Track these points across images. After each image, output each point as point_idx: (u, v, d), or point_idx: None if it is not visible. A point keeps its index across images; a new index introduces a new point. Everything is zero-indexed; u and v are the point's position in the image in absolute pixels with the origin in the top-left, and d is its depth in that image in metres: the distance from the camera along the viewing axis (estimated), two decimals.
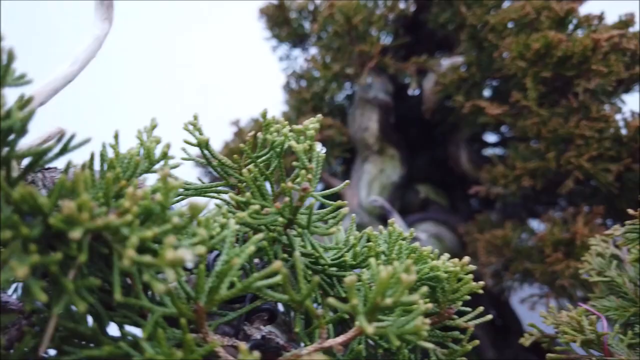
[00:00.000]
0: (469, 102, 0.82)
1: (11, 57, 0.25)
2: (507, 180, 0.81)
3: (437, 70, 0.87)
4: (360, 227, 0.97)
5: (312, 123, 0.38)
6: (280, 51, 1.18)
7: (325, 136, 0.94)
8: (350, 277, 0.27)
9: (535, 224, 0.92)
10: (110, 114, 1.49)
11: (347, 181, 0.42)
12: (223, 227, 0.32)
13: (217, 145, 1.00)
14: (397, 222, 0.83)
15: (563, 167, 0.79)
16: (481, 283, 0.38)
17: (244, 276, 0.36)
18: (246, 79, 1.42)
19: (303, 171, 0.35)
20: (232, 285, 0.28)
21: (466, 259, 0.40)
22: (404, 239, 0.42)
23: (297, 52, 1.17)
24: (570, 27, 0.83)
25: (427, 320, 0.28)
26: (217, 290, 0.27)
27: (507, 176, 0.81)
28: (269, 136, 0.37)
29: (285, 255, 0.37)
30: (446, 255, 0.43)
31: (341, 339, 0.29)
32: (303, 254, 0.38)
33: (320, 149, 0.38)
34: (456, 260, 0.40)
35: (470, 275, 0.39)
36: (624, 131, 0.78)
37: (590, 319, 0.45)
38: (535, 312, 0.93)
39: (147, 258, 0.23)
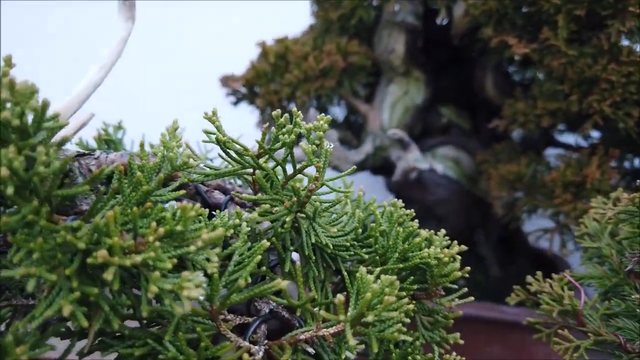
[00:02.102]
0: (497, 37, 0.80)
1: (45, 105, 0.27)
2: (527, 119, 0.81)
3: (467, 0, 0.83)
4: (380, 149, 1.00)
5: (322, 120, 0.40)
6: None
7: (350, 62, 0.93)
8: (339, 298, 0.31)
9: (552, 156, 0.93)
10: None
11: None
12: (235, 228, 0.36)
13: (243, 67, 1.01)
14: (414, 153, 0.86)
15: (584, 110, 0.78)
16: (467, 268, 0.42)
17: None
18: None
19: (311, 172, 0.38)
20: (241, 289, 0.33)
21: (455, 249, 0.43)
22: (402, 221, 0.46)
23: None
24: None
25: (404, 329, 0.33)
26: (229, 297, 0.32)
27: (528, 114, 0.81)
28: (281, 136, 0.39)
29: (292, 248, 0.41)
30: (442, 232, 0.47)
31: (332, 330, 0.35)
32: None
33: (328, 145, 0.40)
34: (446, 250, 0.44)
35: (457, 264, 0.43)
36: None
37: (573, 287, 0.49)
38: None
39: (168, 286, 0.28)
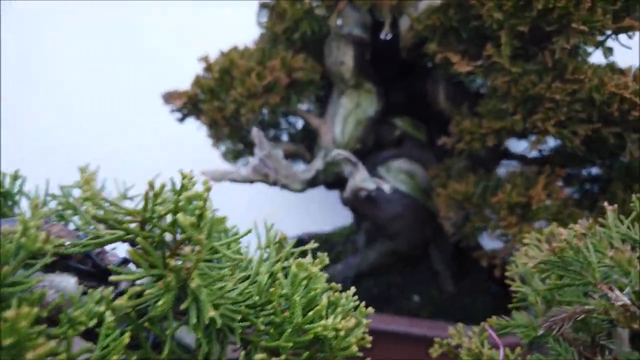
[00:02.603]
0: (441, 54, 0.76)
1: None
2: (473, 137, 0.78)
3: (410, 14, 0.79)
4: (332, 164, 0.96)
5: (204, 185, 0.36)
6: None
7: (295, 78, 0.89)
8: None
9: (505, 170, 0.90)
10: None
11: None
12: (99, 316, 0.32)
13: (188, 82, 0.96)
14: (361, 173, 0.82)
15: (529, 130, 0.75)
16: (368, 339, 0.39)
17: None
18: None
19: (188, 248, 0.35)
20: None
21: (352, 321, 0.40)
22: (308, 280, 0.42)
23: None
24: None
25: None
26: None
27: (474, 133, 0.78)
28: (157, 207, 0.36)
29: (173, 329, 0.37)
30: (351, 291, 0.44)
31: None
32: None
33: (212, 214, 0.36)
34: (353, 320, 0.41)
35: (353, 339, 0.40)
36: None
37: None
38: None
39: None
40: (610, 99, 0.70)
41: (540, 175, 0.78)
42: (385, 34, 0.82)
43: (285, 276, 0.43)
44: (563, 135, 0.72)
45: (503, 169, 0.92)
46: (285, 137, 1.19)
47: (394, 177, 1.01)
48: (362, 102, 1.01)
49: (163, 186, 0.36)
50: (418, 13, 0.80)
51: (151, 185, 0.36)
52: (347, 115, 1.01)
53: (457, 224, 0.83)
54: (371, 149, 1.04)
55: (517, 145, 0.98)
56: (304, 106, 1.08)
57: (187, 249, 0.34)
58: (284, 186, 0.94)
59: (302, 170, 0.96)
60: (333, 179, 1.03)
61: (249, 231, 0.42)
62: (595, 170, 0.95)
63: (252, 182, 0.93)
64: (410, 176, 1.01)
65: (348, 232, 1.13)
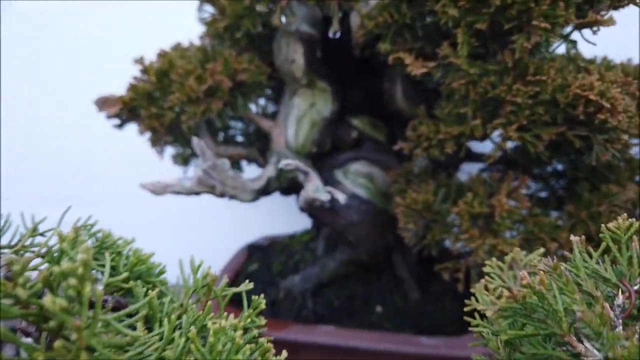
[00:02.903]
0: (393, 54, 0.69)
1: None
2: (430, 144, 0.72)
3: (360, 10, 0.72)
4: (286, 170, 0.89)
5: (82, 254, 0.29)
6: None
7: (239, 80, 0.81)
8: None
9: (467, 174, 0.84)
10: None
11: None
12: None
13: (123, 88, 0.87)
14: (313, 183, 0.75)
15: (489, 136, 0.69)
16: None
17: None
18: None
19: (58, 343, 0.27)
20: None
21: None
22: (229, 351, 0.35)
23: None
24: None
25: None
26: None
27: (431, 139, 0.72)
28: (19, 290, 0.28)
29: None
30: None
31: None
32: None
33: (92, 289, 0.29)
34: None
35: None
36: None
37: None
38: None
39: None
40: (575, 101, 0.64)
41: (502, 183, 0.72)
42: (333, 32, 0.75)
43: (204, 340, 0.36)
44: (526, 140, 0.66)
45: (465, 173, 0.87)
46: (241, 138, 1.11)
47: (352, 182, 0.94)
48: (316, 102, 0.93)
49: (27, 262, 0.28)
50: (368, 9, 0.72)
51: (10, 264, 0.28)
52: (300, 117, 0.94)
53: (417, 234, 0.77)
54: (328, 151, 0.97)
55: (480, 145, 0.93)
56: (259, 106, 1.00)
57: (57, 344, 0.27)
58: (233, 197, 0.87)
59: (252, 179, 0.89)
60: (288, 185, 0.96)
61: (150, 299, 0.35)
62: (560, 166, 0.91)
63: (197, 194, 0.85)
64: (370, 179, 0.95)
65: (307, 239, 1.07)
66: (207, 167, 0.80)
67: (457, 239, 0.71)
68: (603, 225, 0.41)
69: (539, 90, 0.65)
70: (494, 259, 0.50)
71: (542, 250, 0.51)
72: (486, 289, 0.49)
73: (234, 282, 1.05)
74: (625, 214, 0.84)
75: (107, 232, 0.54)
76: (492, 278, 0.49)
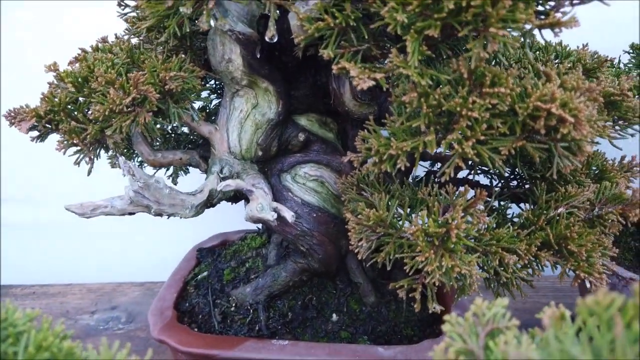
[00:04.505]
0: (337, 65, 0.59)
1: None
2: (381, 158, 0.63)
3: (298, 11, 0.61)
4: (229, 179, 0.79)
5: None
6: None
7: (168, 90, 0.70)
8: None
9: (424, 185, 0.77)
10: None
11: None
12: None
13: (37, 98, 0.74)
14: (257, 201, 0.66)
15: (445, 151, 0.61)
16: None
17: None
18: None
19: None
20: None
21: None
22: None
23: None
24: None
25: None
26: None
27: (383, 153, 0.63)
28: None
29: None
30: None
31: None
32: None
33: None
34: None
35: None
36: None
37: None
38: None
39: None
40: (535, 112, 0.57)
41: (458, 198, 0.65)
42: (269, 37, 0.64)
43: None
44: (483, 156, 0.58)
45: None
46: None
47: (301, 187, 0.85)
48: (259, 102, 0.83)
49: None
50: (308, 9, 0.61)
51: None
52: (243, 119, 0.84)
53: (372, 250, 0.69)
54: (276, 155, 0.87)
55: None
56: (194, 111, 0.88)
57: None
58: (172, 215, 0.77)
59: (192, 192, 0.78)
60: (235, 193, 0.86)
61: None
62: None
63: (132, 214, 0.75)
64: (320, 183, 0.86)
65: (259, 244, 0.98)
66: (138, 187, 0.69)
67: (414, 261, 0.64)
68: (579, 300, 0.34)
69: (497, 102, 0.57)
70: (453, 314, 0.43)
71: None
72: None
73: (183, 292, 0.96)
74: (582, 216, 0.78)
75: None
76: (453, 338, 0.42)
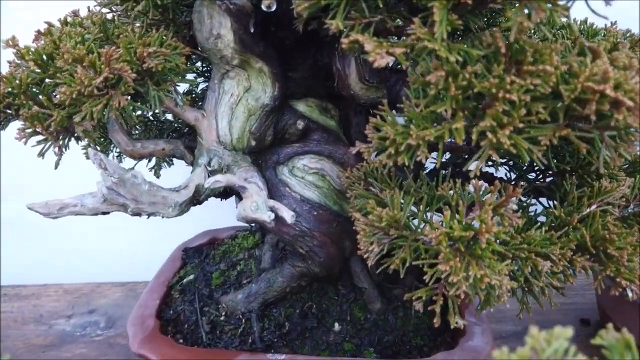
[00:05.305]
0: (348, 37, 0.50)
1: None
2: (398, 150, 0.54)
3: None
4: (218, 171, 0.69)
5: None
6: None
7: (147, 69, 0.60)
8: None
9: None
10: None
11: None
12: None
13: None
14: (251, 199, 0.57)
15: (475, 142, 0.52)
16: None
17: None
18: None
19: None
20: None
21: None
22: None
23: None
24: None
25: None
26: None
27: (400, 144, 0.54)
28: None
29: None
30: None
31: None
32: None
33: None
34: None
35: None
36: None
37: None
38: None
39: None
40: (583, 96, 0.48)
41: (487, 196, 0.56)
42: (267, 5, 0.54)
43: None
44: (520, 148, 0.49)
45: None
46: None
47: (300, 181, 0.76)
48: (252, 85, 0.73)
49: None
50: None
51: None
52: (234, 105, 0.74)
53: (383, 256, 0.60)
54: (271, 145, 0.78)
55: None
56: (179, 94, 0.78)
57: None
58: (152, 214, 0.67)
59: (176, 188, 0.69)
60: (225, 189, 0.76)
61: None
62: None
63: (106, 213, 0.65)
64: (321, 177, 0.77)
65: (251, 244, 0.89)
66: (112, 183, 0.60)
67: (435, 269, 0.55)
68: None
69: (539, 83, 0.48)
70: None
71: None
72: None
73: (167, 297, 0.86)
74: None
75: None
76: None
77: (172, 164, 0.94)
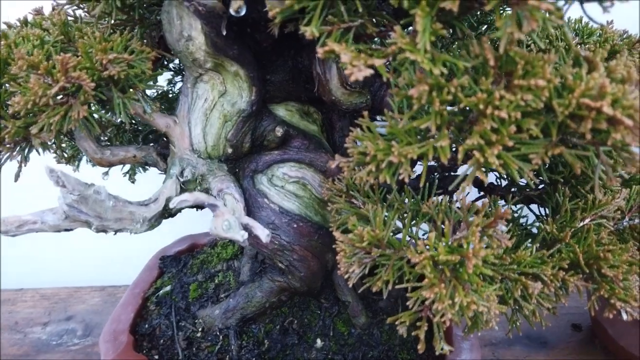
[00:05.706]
0: (324, 47, 0.46)
1: None
2: (378, 165, 0.50)
3: None
4: (192, 182, 0.65)
5: None
6: None
7: (109, 76, 0.55)
8: None
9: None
10: None
11: None
12: None
13: None
14: (221, 218, 0.53)
15: (460, 161, 0.48)
16: None
17: None
18: None
19: None
20: None
21: None
22: None
23: None
24: None
25: None
26: None
27: (381, 160, 0.50)
28: None
29: None
30: None
31: None
32: None
33: None
34: None
35: None
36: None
37: None
38: None
39: None
40: (578, 112, 0.44)
41: (474, 216, 0.52)
42: (235, 9, 0.50)
43: None
44: (510, 168, 0.46)
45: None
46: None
47: (279, 192, 0.72)
48: (228, 89, 0.69)
49: None
50: None
51: None
52: (209, 110, 0.70)
53: (364, 276, 0.57)
54: (249, 152, 0.74)
55: None
56: (147, 99, 0.73)
57: None
58: (119, 231, 0.63)
59: (144, 202, 0.64)
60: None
61: None
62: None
63: (69, 230, 0.61)
64: (302, 186, 0.73)
65: (230, 255, 0.85)
66: (72, 200, 0.55)
67: (418, 294, 0.51)
68: None
69: (530, 99, 0.44)
70: None
71: None
72: None
73: (142, 310, 0.82)
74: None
75: None
76: None
77: (147, 169, 0.89)
